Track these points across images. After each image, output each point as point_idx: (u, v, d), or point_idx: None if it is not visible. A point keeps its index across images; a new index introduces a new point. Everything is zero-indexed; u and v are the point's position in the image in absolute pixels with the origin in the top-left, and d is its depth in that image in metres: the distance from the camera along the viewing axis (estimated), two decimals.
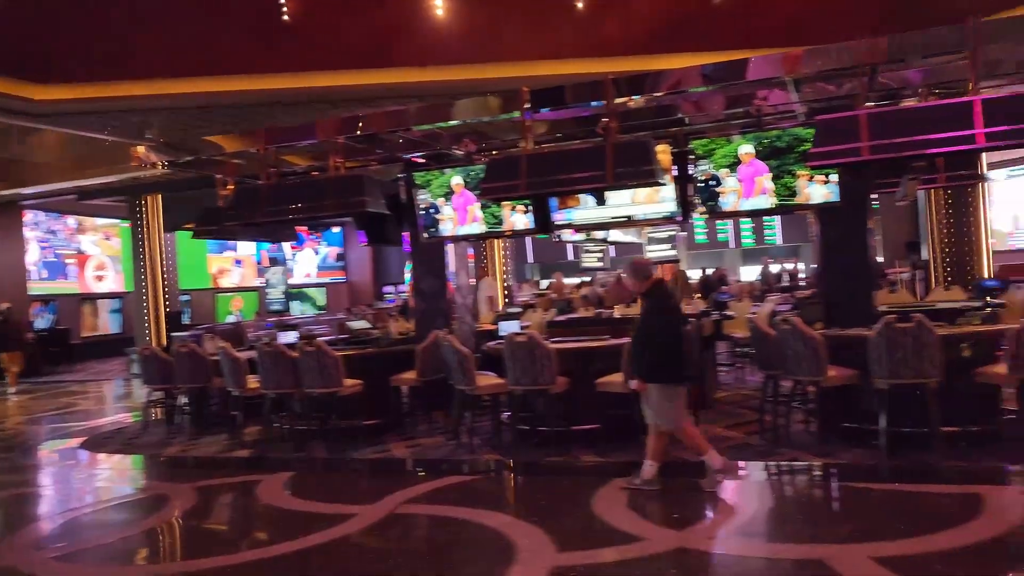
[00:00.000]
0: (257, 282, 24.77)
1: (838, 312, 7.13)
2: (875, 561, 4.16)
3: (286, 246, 24.28)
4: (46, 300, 19.91)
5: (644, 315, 5.94)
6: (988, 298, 8.24)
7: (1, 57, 9.76)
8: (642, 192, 8.19)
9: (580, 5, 9.82)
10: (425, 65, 10.36)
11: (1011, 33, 6.28)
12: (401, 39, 10.32)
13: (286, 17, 9.80)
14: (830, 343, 6.49)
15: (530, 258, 24.20)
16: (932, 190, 12.13)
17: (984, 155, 10.71)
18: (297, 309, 23.82)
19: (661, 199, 8.05)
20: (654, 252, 11.38)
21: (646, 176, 6.85)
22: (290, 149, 9.21)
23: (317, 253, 25.89)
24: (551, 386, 6.99)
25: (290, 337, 9.04)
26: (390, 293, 23.75)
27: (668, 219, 8.41)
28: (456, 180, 8.47)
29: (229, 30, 10.11)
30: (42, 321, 19.48)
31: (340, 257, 26.41)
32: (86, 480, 8.10)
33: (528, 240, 21.68)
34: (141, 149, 9.57)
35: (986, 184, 12.65)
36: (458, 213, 8.53)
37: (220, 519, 6.42)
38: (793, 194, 7.04)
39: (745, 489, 5.94)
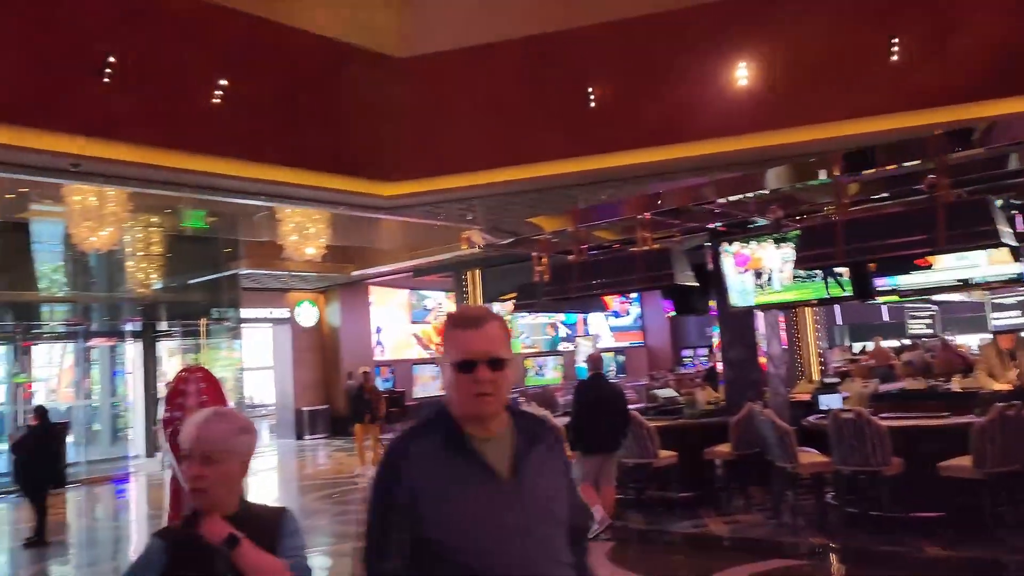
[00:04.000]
0: (560, 347, 25.91)
1: None
2: None
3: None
4: (389, 366, 22.57)
5: None
6: None
7: (360, 163, 11.52)
8: (980, 252, 7.47)
9: (895, 58, 9.30)
10: (722, 136, 10.40)
11: None
12: (697, 112, 10.49)
13: (593, 104, 10.45)
14: None
15: (839, 320, 22.72)
16: None
17: None
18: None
19: (1003, 259, 7.29)
20: (999, 320, 10.18)
21: (988, 237, 6.26)
22: (598, 226, 9.72)
23: (618, 316, 26.48)
24: (884, 467, 6.53)
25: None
26: (689, 357, 23.58)
27: (1014, 281, 7.57)
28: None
29: (542, 122, 11.01)
30: (384, 384, 22.10)
31: (638, 319, 26.81)
32: None
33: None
34: (470, 233, 10.71)
35: None
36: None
37: None
38: None
39: None
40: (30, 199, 12.59)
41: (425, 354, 24.19)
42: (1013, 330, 9.50)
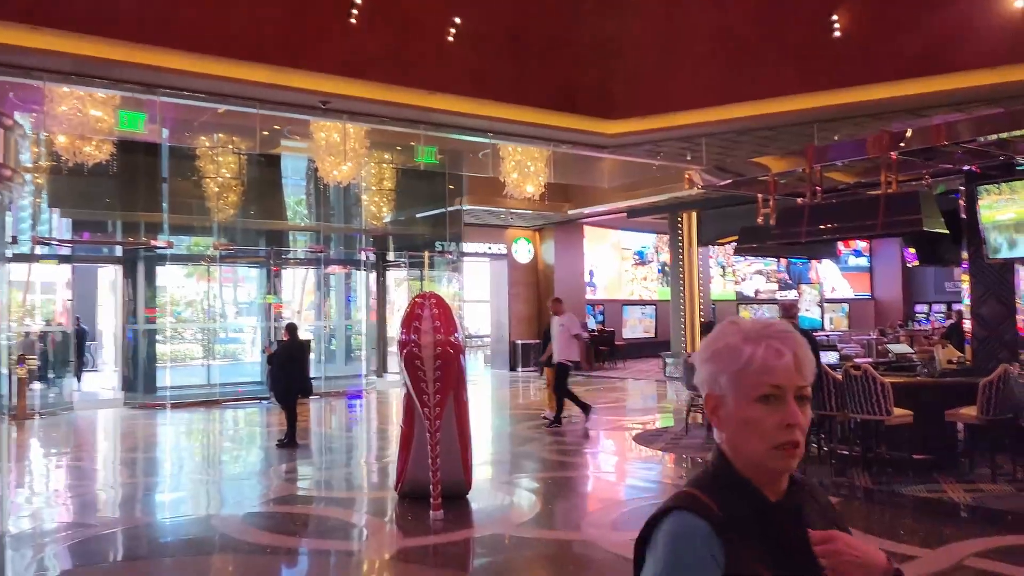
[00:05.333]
0: (779, 295, 24.84)
1: None
2: None
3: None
4: (600, 305, 22.81)
5: None
6: None
7: (582, 100, 11.52)
8: None
9: None
10: (996, 66, 9.25)
11: None
12: (959, 40, 9.39)
13: (837, 34, 9.68)
14: None
15: None
16: None
17: None
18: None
19: None
20: None
21: None
22: (834, 167, 9.08)
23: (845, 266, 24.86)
24: None
25: (831, 357, 8.93)
26: (923, 313, 21.73)
27: None
28: None
29: (776, 54, 10.38)
30: (593, 323, 22.38)
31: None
32: (644, 472, 9.11)
33: None
34: (692, 172, 10.42)
35: None
36: None
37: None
38: None
39: None
40: (282, 135, 13.82)
41: (635, 296, 24.20)
42: None
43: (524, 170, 14.09)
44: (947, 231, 8.07)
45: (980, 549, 5.54)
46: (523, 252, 22.13)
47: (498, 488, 8.15)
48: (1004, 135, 7.54)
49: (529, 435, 10.92)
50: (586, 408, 11.66)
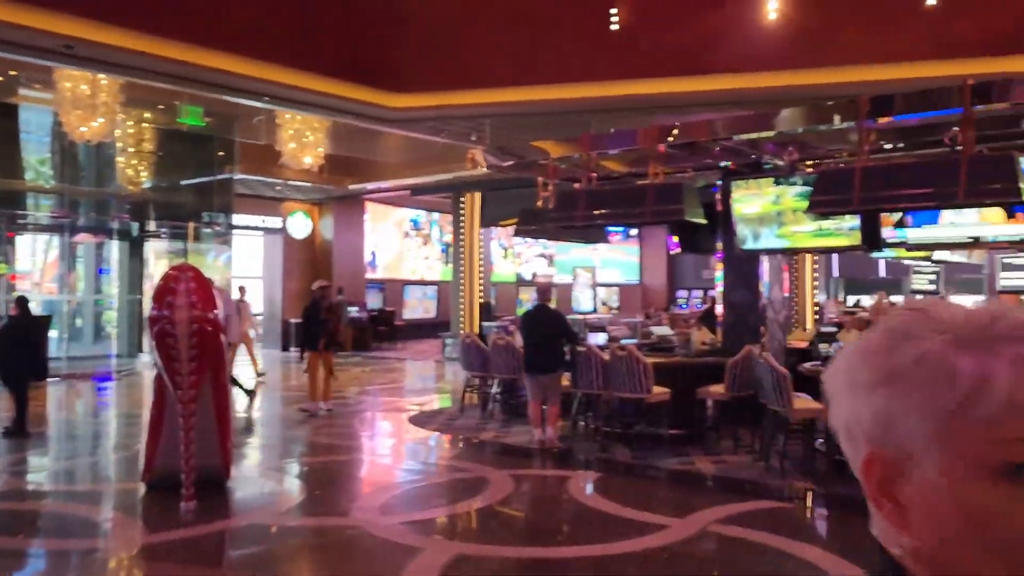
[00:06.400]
0: (557, 279, 25.81)
1: None
2: None
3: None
4: (380, 284, 22.42)
5: None
6: None
7: (367, 70, 11.11)
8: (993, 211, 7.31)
9: (930, 1, 8.93)
10: (747, 71, 10.06)
11: None
12: (724, 45, 10.12)
13: (615, 27, 10.05)
14: None
15: (835, 273, 22.63)
16: None
17: None
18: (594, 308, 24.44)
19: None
20: (1008, 280, 10.09)
21: (1007, 195, 6.09)
22: (609, 155, 9.45)
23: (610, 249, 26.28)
24: None
25: (599, 338, 9.30)
26: (683, 298, 23.53)
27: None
28: None
29: (560, 42, 10.60)
30: (374, 303, 21.96)
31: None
32: (417, 454, 8.99)
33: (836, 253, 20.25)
34: (475, 152, 10.41)
35: None
36: None
37: (536, 510, 6.77)
38: None
39: None
40: (20, 82, 12.13)
41: (418, 275, 24.07)
42: (1019, 291, 9.40)
43: (303, 140, 13.43)
44: (706, 221, 8.65)
45: (722, 516, 5.96)
46: (300, 226, 21.21)
47: (263, 475, 7.67)
48: (753, 135, 8.21)
49: (299, 418, 10.43)
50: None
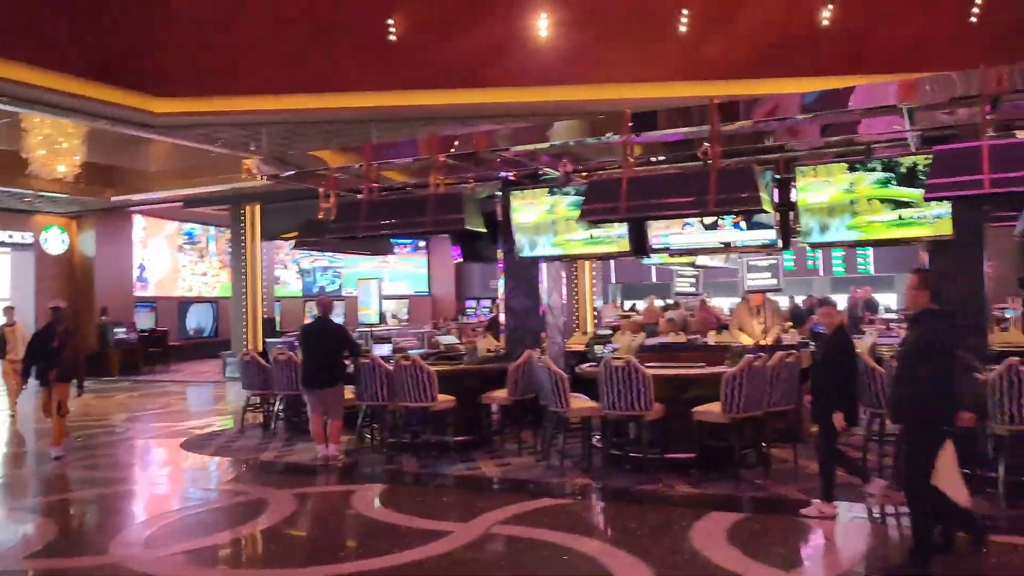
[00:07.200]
0: (344, 292, 25.31)
1: None
2: None
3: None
4: (151, 302, 20.80)
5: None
6: None
7: (125, 71, 10.28)
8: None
9: (684, 28, 9.74)
10: (523, 85, 10.45)
11: None
12: (500, 59, 10.45)
13: (393, 37, 10.04)
14: None
15: (613, 279, 24.06)
16: None
17: None
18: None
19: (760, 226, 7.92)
20: (754, 281, 11.17)
21: (749, 203, 6.72)
22: (390, 165, 9.40)
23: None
24: (647, 412, 6.91)
25: (384, 349, 9.21)
26: (472, 308, 23.93)
27: (767, 247, 8.26)
28: None
29: (336, 49, 10.42)
30: (145, 322, 20.34)
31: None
32: (189, 481, 8.39)
33: (614, 261, 21.54)
34: (250, 162, 9.95)
35: None
36: None
37: (319, 528, 6.53)
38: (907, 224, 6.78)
39: (850, 529, 5.73)
40: None
41: (195, 292, 22.67)
42: (764, 290, 10.44)
43: (55, 146, 12.22)
44: (486, 230, 8.83)
45: (506, 517, 6.08)
46: (55, 242, 19.25)
47: (7, 516, 6.83)
48: (530, 147, 8.51)
49: (56, 451, 9.38)
50: None
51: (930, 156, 6.11)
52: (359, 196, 9.14)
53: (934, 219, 6.66)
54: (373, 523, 6.31)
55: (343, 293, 24.32)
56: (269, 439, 9.61)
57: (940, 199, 6.35)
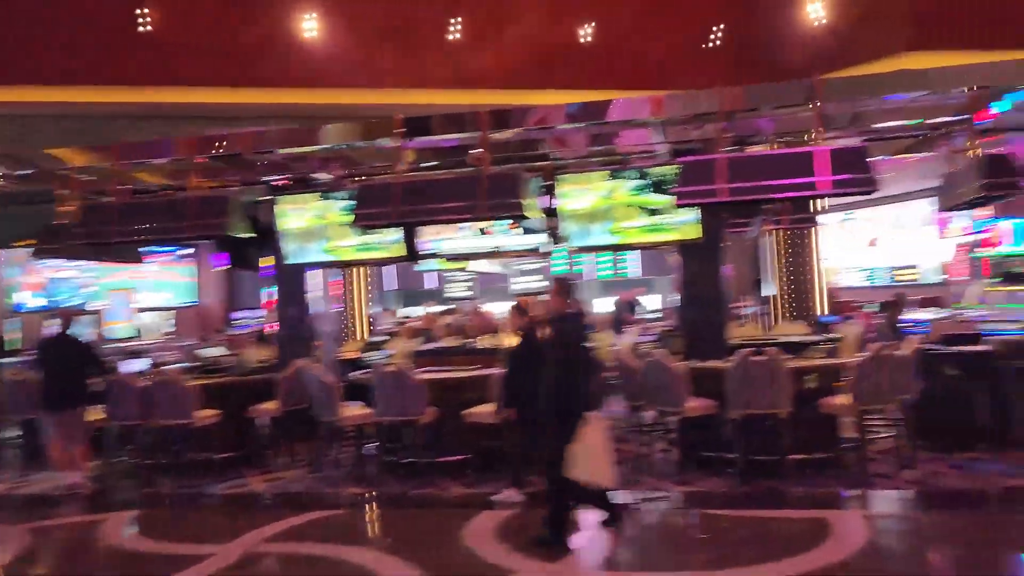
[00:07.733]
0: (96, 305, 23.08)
1: (696, 345, 7.45)
2: None
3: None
4: None
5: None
6: (826, 333, 8.90)
7: None
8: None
9: (451, 37, 9.91)
10: (292, 87, 10.11)
11: (848, 91, 6.85)
12: (268, 58, 10.03)
13: (148, 28, 9.30)
14: (691, 375, 6.77)
15: (392, 285, 23.89)
16: (775, 231, 12.93)
17: (819, 200, 11.55)
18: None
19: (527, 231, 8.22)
20: (522, 284, 11.57)
21: (516, 209, 6.93)
22: (144, 166, 8.69)
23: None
24: (420, 417, 6.90)
25: (139, 365, 8.50)
26: (241, 319, 22.77)
27: (534, 251, 8.58)
28: None
29: (76, 38, 9.47)
30: None
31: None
32: None
33: (391, 268, 21.40)
34: None
35: (817, 227, 13.58)
36: None
37: (60, 564, 5.87)
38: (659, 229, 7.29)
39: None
40: None
41: None
42: (531, 294, 10.85)
43: None
44: (254, 235, 8.40)
45: (273, 533, 5.82)
46: None
47: None
48: (298, 150, 8.23)
49: None
50: None
51: (679, 167, 6.63)
52: (109, 199, 8.37)
53: (681, 224, 7.23)
54: (123, 553, 5.78)
55: (93, 306, 22.18)
56: (2, 470, 8.52)
57: (688, 206, 6.93)
